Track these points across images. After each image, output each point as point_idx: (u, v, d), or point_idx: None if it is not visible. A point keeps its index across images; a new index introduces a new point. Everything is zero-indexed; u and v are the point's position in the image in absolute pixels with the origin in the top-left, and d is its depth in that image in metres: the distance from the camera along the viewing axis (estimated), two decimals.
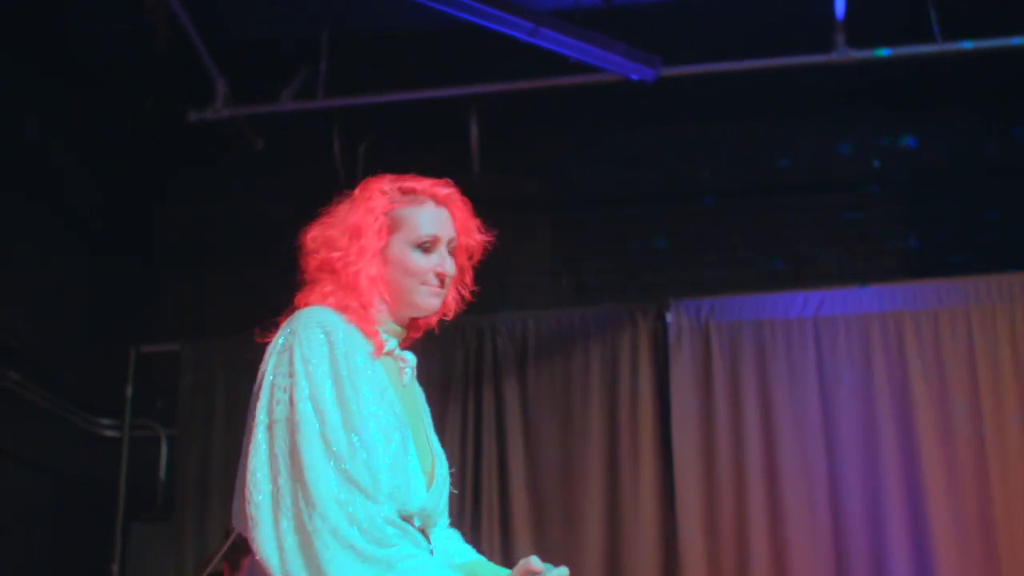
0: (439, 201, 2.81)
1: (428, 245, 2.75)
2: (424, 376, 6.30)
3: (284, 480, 2.48)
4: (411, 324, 2.87)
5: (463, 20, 5.65)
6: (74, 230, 6.55)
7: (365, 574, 2.41)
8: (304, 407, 2.53)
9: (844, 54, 5.99)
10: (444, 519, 2.89)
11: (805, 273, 6.52)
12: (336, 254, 2.74)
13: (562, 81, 6.24)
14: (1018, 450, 5.83)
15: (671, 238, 6.79)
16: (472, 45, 6.11)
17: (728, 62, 6.12)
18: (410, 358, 2.83)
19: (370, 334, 2.68)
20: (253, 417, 2.59)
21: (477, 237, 2.89)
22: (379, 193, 2.80)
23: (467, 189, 6.82)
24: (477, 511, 6.09)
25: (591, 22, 5.85)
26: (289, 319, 2.73)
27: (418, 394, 2.94)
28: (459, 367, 6.29)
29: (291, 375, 2.58)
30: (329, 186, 6.70)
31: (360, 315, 2.69)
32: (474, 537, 6.08)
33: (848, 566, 5.81)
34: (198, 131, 6.42)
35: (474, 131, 6.59)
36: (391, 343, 2.75)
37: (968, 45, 5.99)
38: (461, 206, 2.86)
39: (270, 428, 2.55)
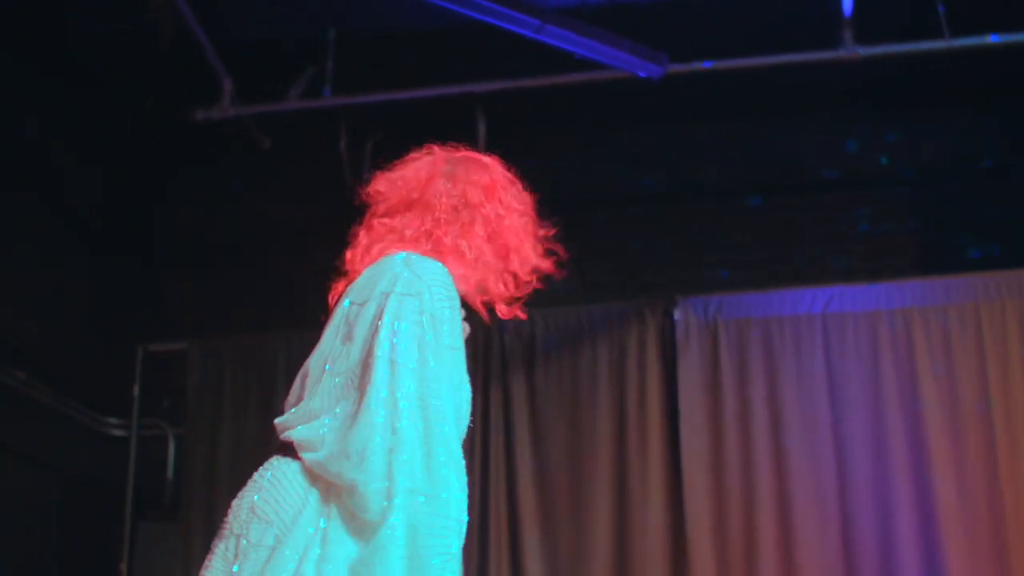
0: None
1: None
2: None
3: (407, 423, 2.35)
4: None
5: (469, 17, 5.65)
6: (80, 229, 6.56)
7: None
8: (434, 364, 2.42)
9: (851, 51, 5.96)
10: None
11: (813, 270, 6.51)
12: (500, 210, 2.72)
13: (568, 79, 6.22)
14: None
15: (678, 236, 6.78)
16: (478, 43, 6.11)
17: (735, 59, 6.10)
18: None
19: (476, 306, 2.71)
20: (369, 349, 2.44)
21: None
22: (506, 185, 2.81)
23: None
24: (484, 509, 6.08)
25: (597, 19, 5.84)
26: (406, 259, 2.57)
27: None
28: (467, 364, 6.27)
29: (420, 325, 2.44)
30: (335, 185, 6.80)
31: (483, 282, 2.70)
32: (482, 534, 6.09)
33: (857, 563, 5.79)
34: (203, 130, 6.41)
35: (481, 129, 6.58)
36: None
37: (976, 41, 5.97)
38: None
39: (392, 367, 2.39)
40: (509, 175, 2.83)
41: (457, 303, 2.54)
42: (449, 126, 6.58)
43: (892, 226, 6.58)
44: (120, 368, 6.62)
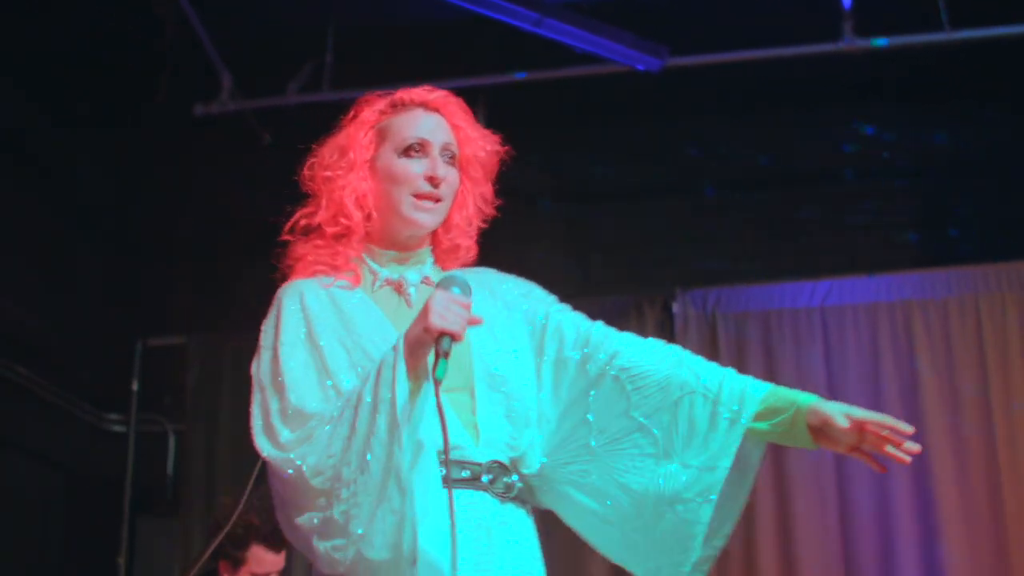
0: (429, 106, 2.65)
1: (415, 149, 2.60)
2: None
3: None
4: (436, 247, 2.71)
5: (469, 11, 5.64)
6: (80, 224, 6.56)
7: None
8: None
9: (851, 43, 5.96)
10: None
11: (813, 263, 6.49)
12: (327, 173, 2.65)
13: (568, 72, 6.22)
14: None
15: (678, 228, 6.76)
16: (478, 36, 6.11)
17: (734, 52, 6.10)
18: (410, 276, 2.64)
19: (341, 270, 2.60)
20: None
21: (486, 146, 2.72)
22: (368, 108, 2.70)
23: None
24: None
25: (596, 12, 5.83)
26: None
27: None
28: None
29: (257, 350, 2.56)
30: None
31: (326, 256, 2.62)
32: None
33: (857, 557, 5.79)
34: (204, 125, 6.42)
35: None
36: (384, 272, 2.63)
37: (977, 34, 5.96)
38: (459, 113, 2.70)
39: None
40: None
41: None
42: None
43: (892, 219, 6.56)
44: (120, 363, 6.61)
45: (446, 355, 2.30)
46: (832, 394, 5.96)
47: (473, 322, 2.36)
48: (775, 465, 5.89)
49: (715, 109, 6.71)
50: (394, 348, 2.35)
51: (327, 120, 6.63)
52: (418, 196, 2.59)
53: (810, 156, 6.71)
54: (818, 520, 5.83)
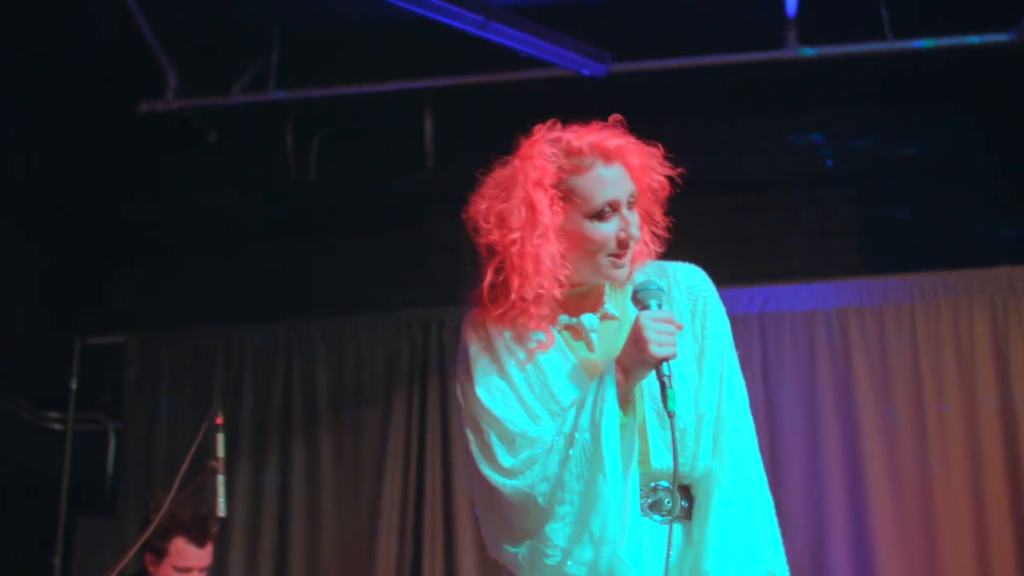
0: (609, 157, 2.65)
1: (608, 212, 2.60)
2: (369, 372, 6.31)
3: None
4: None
5: (415, 13, 5.64)
6: (18, 221, 6.49)
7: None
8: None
9: (795, 51, 6.00)
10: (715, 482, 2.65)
11: (752, 270, 6.52)
12: (514, 235, 2.58)
13: (514, 76, 6.22)
14: (960, 446, 5.88)
15: None
16: (427, 38, 6.10)
17: (678, 58, 6.12)
18: (587, 321, 2.68)
19: (533, 330, 2.63)
20: None
21: (658, 173, 2.76)
22: (544, 160, 2.64)
23: (421, 183, 6.82)
24: (420, 508, 6.07)
25: (542, 17, 5.84)
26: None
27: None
28: (404, 362, 6.26)
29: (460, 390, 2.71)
30: (280, 181, 6.76)
31: (517, 317, 2.61)
32: (417, 532, 6.09)
33: (789, 560, 5.82)
34: (147, 123, 6.38)
35: (428, 125, 6.57)
36: (562, 319, 2.67)
37: (920, 44, 6.02)
38: (634, 151, 2.71)
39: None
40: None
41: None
42: (396, 122, 6.66)
43: (831, 227, 6.60)
44: (59, 362, 6.56)
45: (670, 381, 2.44)
46: (769, 400, 6.01)
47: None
48: None
49: (658, 115, 6.70)
50: (600, 379, 2.50)
51: (272, 119, 6.63)
52: (610, 256, 2.62)
53: (751, 163, 6.74)
54: None
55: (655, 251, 2.79)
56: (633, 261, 2.70)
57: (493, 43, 5.80)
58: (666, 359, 2.45)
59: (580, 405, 2.51)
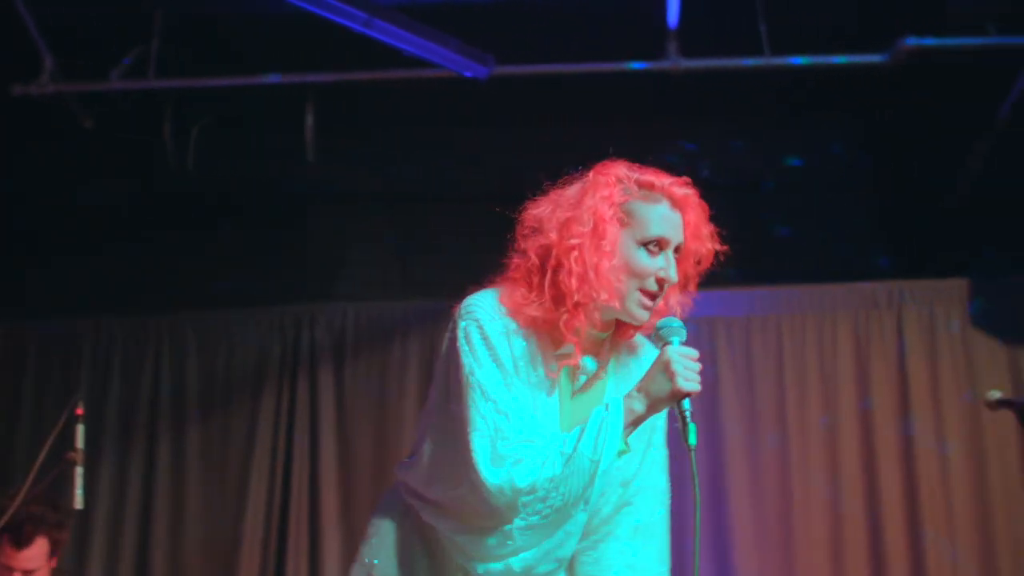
0: (675, 202, 2.73)
1: (655, 247, 2.69)
2: (239, 366, 6.26)
3: None
4: (620, 328, 2.82)
5: (299, 8, 5.61)
6: None
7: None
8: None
9: (675, 62, 6.07)
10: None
11: None
12: (574, 240, 2.66)
13: (397, 74, 6.21)
14: (819, 457, 6.02)
15: (502, 237, 6.79)
16: (311, 33, 6.07)
17: (560, 64, 6.16)
18: (588, 363, 2.76)
19: (564, 340, 2.67)
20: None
21: (708, 245, 2.82)
22: (615, 181, 2.72)
23: (300, 178, 6.77)
24: (286, 503, 6.04)
25: (427, 17, 5.85)
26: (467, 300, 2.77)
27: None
28: (275, 357, 6.23)
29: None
30: (158, 170, 6.66)
31: (557, 321, 2.66)
32: (282, 529, 6.06)
33: None
34: (20, 107, 6.25)
35: (309, 120, 6.54)
36: (566, 350, 2.71)
37: (796, 61, 6.12)
38: (697, 210, 2.78)
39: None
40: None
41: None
42: (277, 116, 6.61)
43: None
44: None
45: (693, 417, 2.56)
46: None
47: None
48: None
49: (538, 120, 6.77)
50: (607, 408, 2.59)
51: (151, 108, 6.52)
52: (644, 292, 2.68)
53: None
54: None
55: (679, 314, 2.82)
56: (655, 313, 2.77)
57: (377, 41, 5.80)
58: (691, 394, 2.58)
59: (586, 429, 2.58)
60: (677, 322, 2.69)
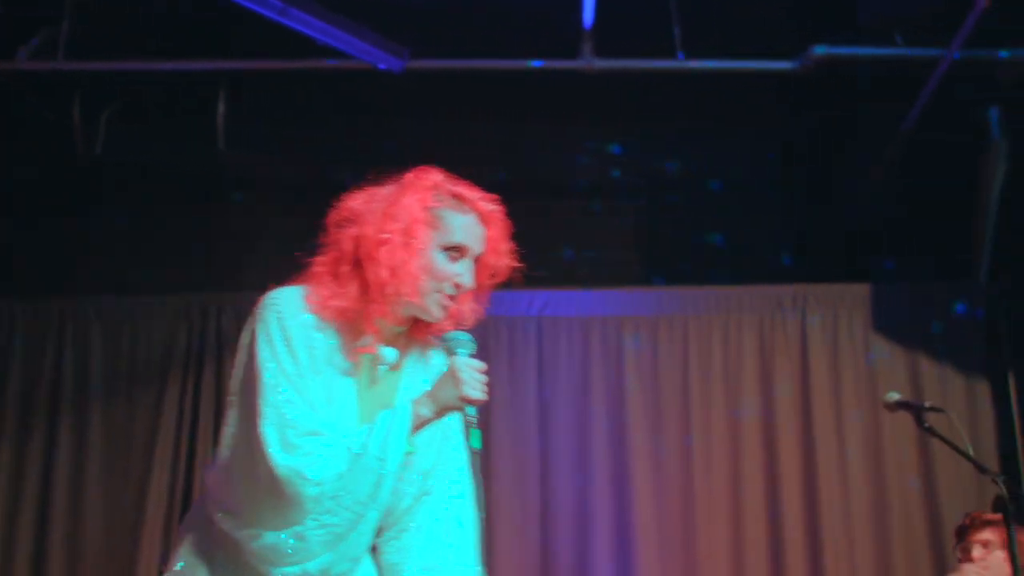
0: (482, 216, 2.92)
1: (456, 253, 2.85)
2: (144, 353, 6.17)
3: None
4: (416, 326, 2.93)
5: None
6: None
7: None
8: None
9: (589, 63, 6.10)
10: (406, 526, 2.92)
11: (533, 274, 6.60)
12: (384, 236, 2.78)
13: (310, 64, 6.18)
14: (722, 457, 6.09)
15: None
16: (226, 19, 6.02)
17: (475, 60, 6.16)
18: (388, 354, 2.87)
19: (366, 330, 2.79)
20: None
21: (505, 261, 3.01)
22: (431, 186, 2.91)
23: (210, 165, 6.70)
24: (188, 495, 5.98)
25: (343, 7, 5.82)
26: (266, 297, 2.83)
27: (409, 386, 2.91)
28: (181, 346, 6.17)
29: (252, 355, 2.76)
30: (66, 153, 6.54)
31: (361, 311, 2.77)
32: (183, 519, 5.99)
33: (553, 560, 5.92)
34: None
35: (220, 108, 6.48)
36: (366, 341, 2.82)
37: (708, 64, 6.18)
38: (500, 227, 2.98)
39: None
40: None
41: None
42: (189, 102, 6.54)
43: (614, 236, 6.74)
44: None
45: (476, 423, 2.71)
46: (542, 403, 6.11)
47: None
48: (483, 475, 5.97)
49: (451, 115, 6.77)
50: (395, 411, 2.72)
51: (60, 90, 6.41)
52: (442, 294, 2.83)
53: (542, 169, 6.83)
54: (519, 526, 5.94)
55: (466, 326, 2.93)
56: (450, 317, 2.92)
57: (292, 29, 5.76)
58: (476, 402, 2.72)
59: (373, 429, 2.69)
60: (465, 335, 2.82)
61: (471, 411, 2.71)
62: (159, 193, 6.64)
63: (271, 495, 2.65)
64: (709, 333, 6.24)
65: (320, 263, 2.87)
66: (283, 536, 2.67)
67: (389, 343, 2.88)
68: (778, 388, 6.16)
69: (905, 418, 5.63)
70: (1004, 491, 3.69)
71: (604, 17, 5.99)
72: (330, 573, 2.72)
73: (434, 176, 2.94)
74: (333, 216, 2.90)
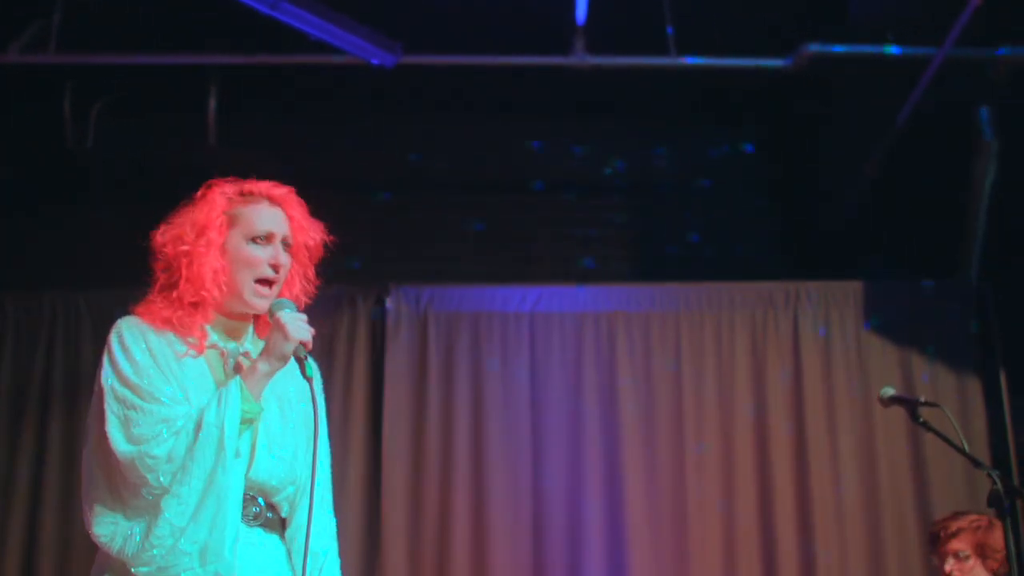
0: (274, 200, 3.11)
1: (262, 239, 3.04)
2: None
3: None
4: (259, 320, 3.15)
5: None
6: None
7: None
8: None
9: (582, 59, 6.10)
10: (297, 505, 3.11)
11: (527, 269, 6.62)
12: (184, 247, 3.01)
13: (303, 59, 6.17)
14: (714, 452, 6.09)
15: (397, 225, 6.78)
16: (218, 13, 6.00)
17: (468, 56, 6.16)
18: (234, 348, 3.07)
19: (191, 333, 2.99)
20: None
21: (315, 236, 3.19)
22: (220, 194, 3.08)
23: (201, 159, 6.68)
24: None
25: (336, 2, 5.81)
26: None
27: (281, 382, 3.06)
28: None
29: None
30: (56, 146, 6.52)
31: (182, 318, 2.99)
32: None
33: (546, 562, 5.92)
34: None
35: (211, 103, 6.46)
36: (213, 337, 3.04)
37: (701, 62, 6.18)
38: (297, 207, 3.15)
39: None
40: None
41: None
42: (180, 97, 6.52)
43: (607, 233, 6.74)
44: None
45: (306, 354, 2.94)
46: (535, 398, 6.11)
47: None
48: (473, 478, 5.99)
49: (448, 110, 6.77)
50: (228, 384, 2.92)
51: (51, 83, 6.38)
52: (259, 281, 3.03)
53: (534, 164, 6.83)
54: (511, 520, 5.94)
55: (304, 304, 3.18)
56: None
57: (284, 24, 5.75)
58: (304, 341, 2.93)
59: (211, 401, 2.87)
60: (286, 300, 3.04)
61: (302, 352, 2.92)
62: (150, 187, 6.62)
63: (128, 484, 2.82)
64: (701, 330, 6.23)
65: (152, 288, 3.08)
66: (155, 532, 2.82)
67: (236, 337, 3.09)
68: (770, 385, 6.16)
69: (897, 416, 5.70)
70: (999, 485, 3.68)
71: (597, 14, 5.99)
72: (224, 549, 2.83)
73: (223, 185, 3.12)
74: (153, 244, 3.08)
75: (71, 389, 6.12)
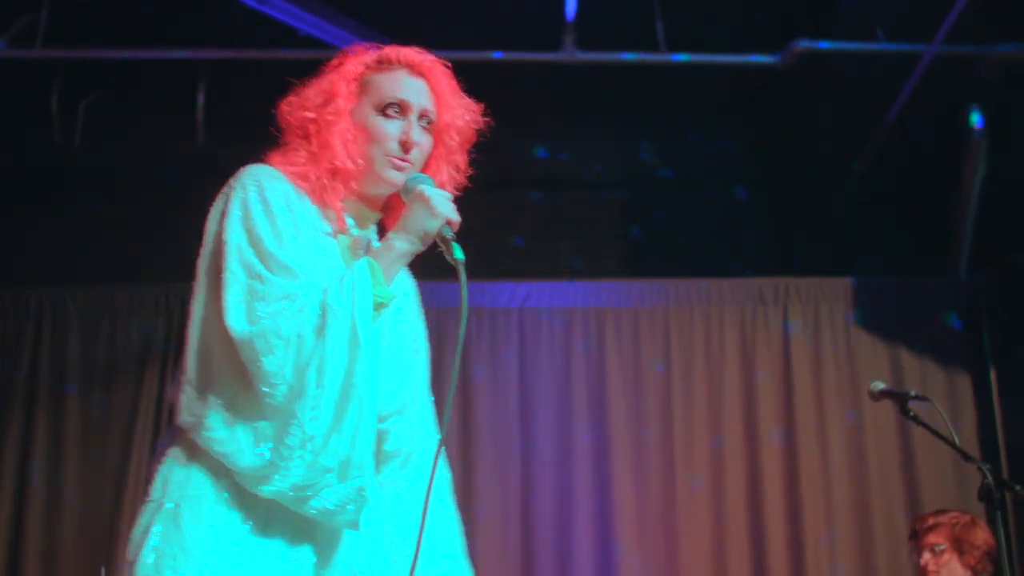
0: (416, 70, 2.71)
1: (394, 110, 2.64)
2: (122, 343, 6.11)
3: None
4: (388, 206, 2.75)
5: None
6: None
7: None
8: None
9: (571, 55, 6.09)
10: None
11: (515, 266, 6.61)
12: (309, 114, 2.66)
13: (293, 54, 6.14)
14: (703, 447, 6.08)
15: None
16: (206, 7, 5.99)
17: (458, 51, 6.12)
18: (364, 236, 2.69)
19: (332, 205, 2.62)
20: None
21: (465, 117, 2.79)
22: (355, 61, 2.72)
23: (188, 156, 6.65)
24: None
25: None
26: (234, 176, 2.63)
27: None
28: (159, 336, 6.14)
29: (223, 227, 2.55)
30: (44, 143, 6.50)
31: (323, 186, 2.61)
32: None
33: (536, 560, 5.91)
34: None
35: (200, 99, 6.44)
36: (349, 222, 2.66)
37: (690, 58, 6.18)
38: (444, 80, 2.76)
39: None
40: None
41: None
42: (168, 91, 6.50)
43: (595, 229, 6.74)
44: None
45: (454, 235, 2.51)
46: (524, 393, 6.10)
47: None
48: (463, 466, 5.98)
49: None
50: (359, 261, 2.50)
51: (38, 79, 6.36)
52: (389, 157, 2.62)
53: (525, 162, 6.83)
54: (500, 515, 5.94)
55: (451, 191, 2.73)
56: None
57: (273, 19, 5.74)
58: (451, 220, 2.52)
59: (334, 283, 2.45)
60: (426, 177, 2.64)
61: (447, 232, 2.51)
62: (137, 183, 6.61)
63: (253, 374, 2.40)
64: (690, 326, 6.23)
65: (284, 146, 2.72)
66: (284, 440, 2.40)
67: (362, 227, 2.72)
68: (760, 380, 6.16)
69: (887, 411, 5.71)
70: (989, 479, 3.68)
71: (586, 10, 5.99)
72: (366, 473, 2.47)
73: (359, 51, 2.77)
74: (280, 112, 2.76)
75: (57, 385, 6.10)
